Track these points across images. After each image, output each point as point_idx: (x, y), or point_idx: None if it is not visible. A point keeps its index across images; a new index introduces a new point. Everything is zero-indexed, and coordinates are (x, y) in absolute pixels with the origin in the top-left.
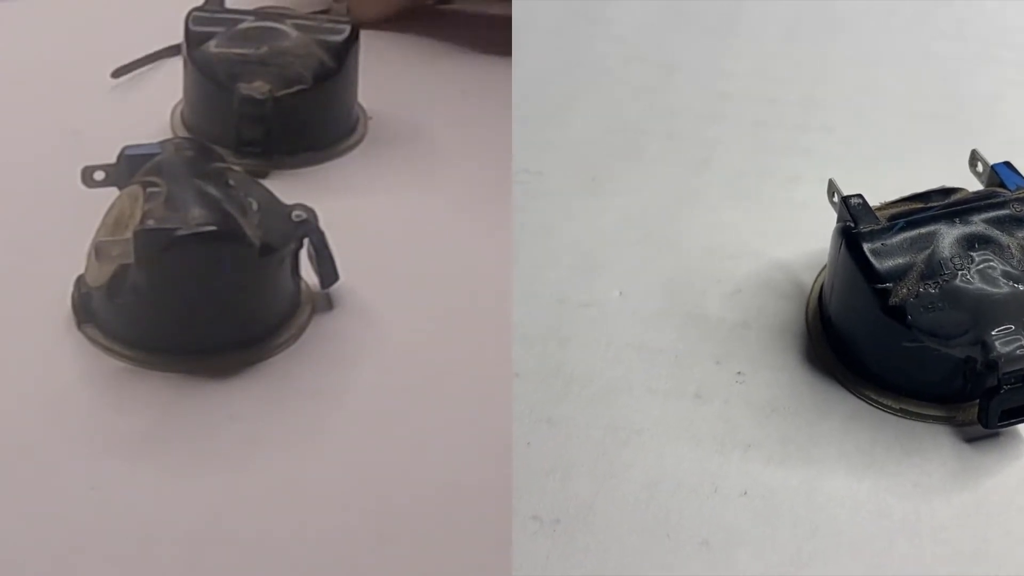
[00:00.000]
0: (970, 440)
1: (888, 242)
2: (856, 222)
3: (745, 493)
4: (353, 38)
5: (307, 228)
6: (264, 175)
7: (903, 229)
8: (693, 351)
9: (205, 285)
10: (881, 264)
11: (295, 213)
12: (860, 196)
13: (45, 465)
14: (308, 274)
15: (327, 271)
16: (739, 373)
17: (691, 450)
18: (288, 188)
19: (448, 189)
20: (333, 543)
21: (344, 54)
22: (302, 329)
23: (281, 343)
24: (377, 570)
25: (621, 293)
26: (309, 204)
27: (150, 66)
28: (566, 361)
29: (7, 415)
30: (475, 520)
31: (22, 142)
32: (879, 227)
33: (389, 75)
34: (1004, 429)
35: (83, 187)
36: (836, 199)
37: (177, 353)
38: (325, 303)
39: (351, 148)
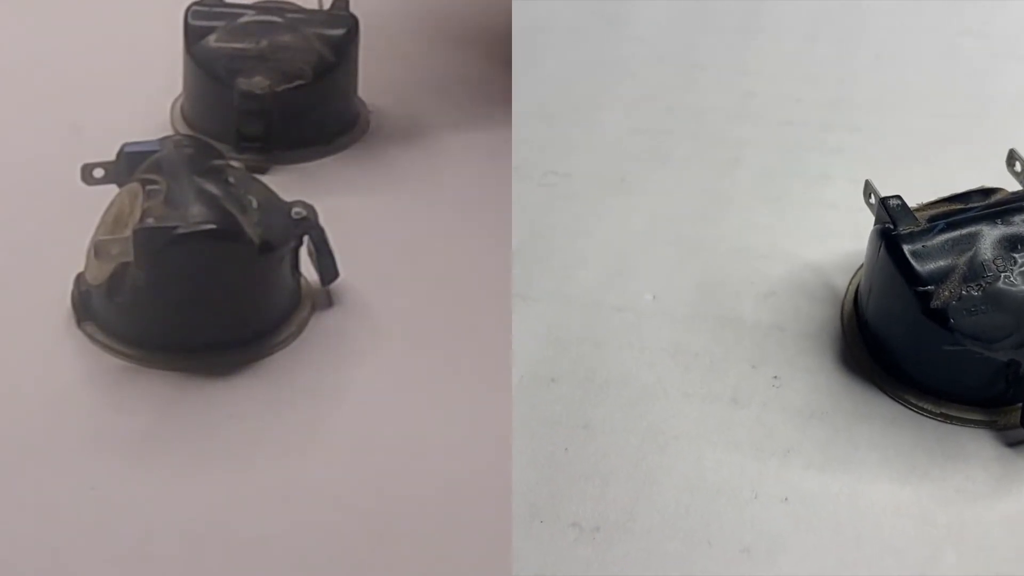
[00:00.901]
0: (1012, 444)
1: (929, 244)
2: (896, 224)
3: (786, 499)
4: (353, 32)
5: (307, 225)
6: (264, 170)
7: (944, 231)
8: (728, 355)
9: (204, 283)
10: (922, 266)
11: (295, 210)
12: (899, 197)
13: (45, 465)
14: (308, 271)
15: (327, 268)
16: (775, 377)
17: (729, 455)
18: (288, 183)
19: (448, 184)
20: (333, 542)
21: (344, 48)
22: (302, 326)
23: (281, 341)
24: (377, 569)
25: (654, 296)
26: (309, 199)
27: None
28: (601, 365)
29: (7, 413)
30: (475, 518)
31: (21, 139)
32: (919, 229)
33: (390, 68)
34: None
35: (83, 184)
36: (873, 200)
37: (177, 351)
38: (325, 300)
39: (352, 142)
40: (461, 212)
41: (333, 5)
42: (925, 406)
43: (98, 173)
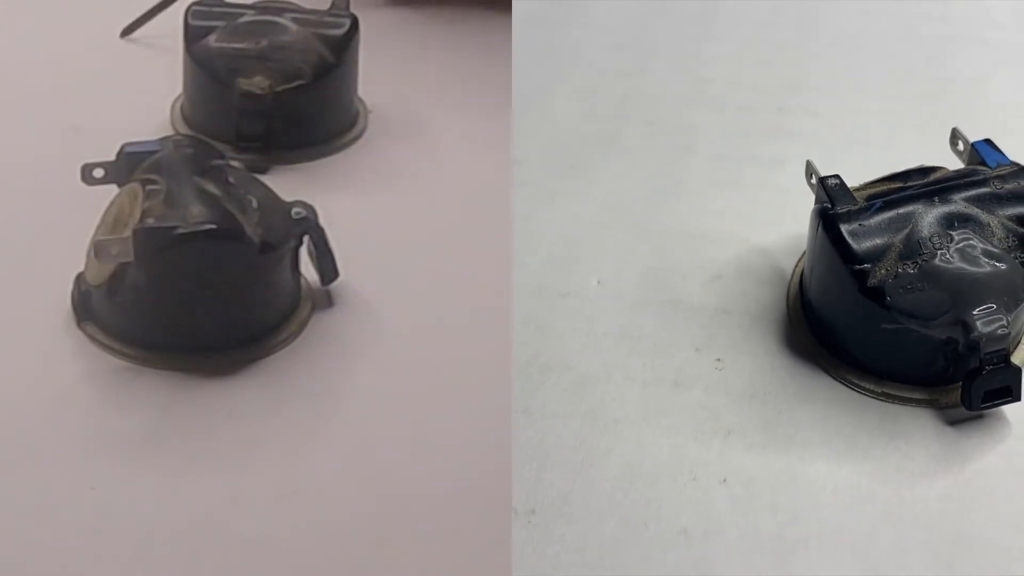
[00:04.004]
0: (953, 423)
1: (866, 223)
2: (833, 203)
3: (725, 480)
4: (353, 32)
5: (307, 225)
6: (264, 170)
7: (881, 209)
8: (672, 338)
9: (205, 283)
10: (859, 245)
11: (295, 210)
12: (837, 177)
13: (45, 464)
14: (308, 271)
15: (327, 268)
16: (719, 360)
17: (670, 438)
18: (288, 183)
19: (448, 183)
20: (333, 542)
21: (344, 48)
22: (302, 326)
23: (281, 340)
24: (377, 567)
25: (600, 281)
26: (309, 199)
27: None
28: (543, 350)
29: (7, 414)
30: (475, 516)
31: (22, 139)
32: (856, 207)
33: (389, 69)
34: (987, 411)
35: (83, 184)
36: (814, 180)
37: (177, 351)
38: (325, 300)
39: (351, 142)
40: (461, 212)
41: (333, 5)
42: (866, 386)
43: (98, 173)
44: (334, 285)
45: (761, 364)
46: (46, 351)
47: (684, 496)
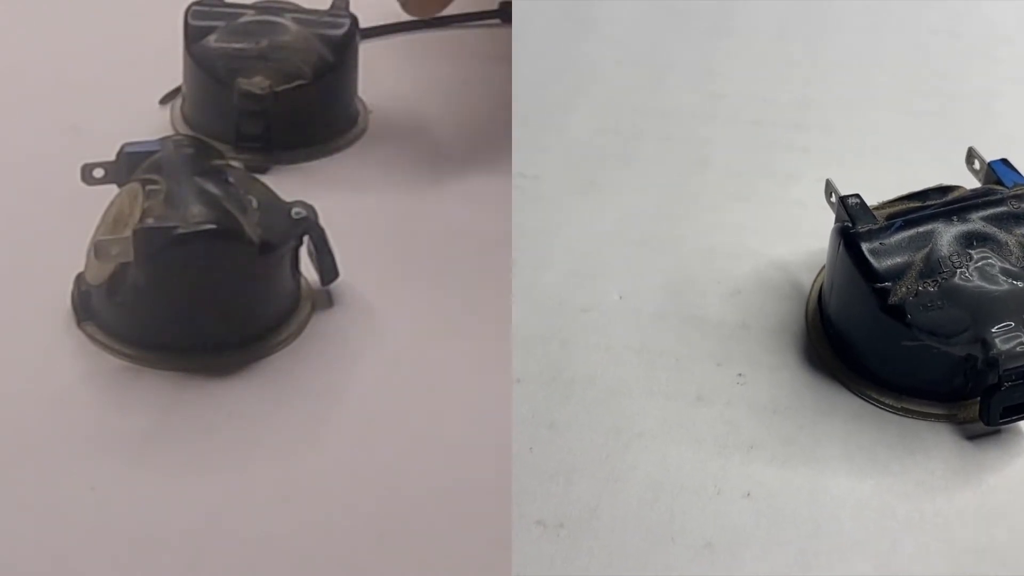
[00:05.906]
0: (972, 438)
1: (886, 241)
2: (854, 222)
3: (748, 494)
4: (353, 32)
5: (307, 225)
6: (264, 170)
7: (901, 228)
8: (693, 353)
9: (205, 283)
10: (879, 263)
11: (295, 210)
12: (858, 196)
13: (45, 464)
14: (308, 271)
15: (327, 268)
16: (740, 375)
17: (693, 452)
18: (288, 183)
19: (449, 184)
20: (333, 542)
21: (344, 48)
22: (302, 327)
23: (281, 341)
24: (377, 567)
25: (620, 296)
26: (309, 200)
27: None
28: (567, 365)
29: (7, 414)
30: (475, 519)
31: (21, 139)
32: (877, 226)
33: (390, 68)
34: (1006, 426)
35: (82, 184)
36: (834, 199)
37: (177, 351)
38: (325, 300)
39: (351, 143)
40: (461, 212)
41: (333, 5)
42: (886, 401)
43: (98, 173)
44: (334, 285)
45: (781, 378)
46: (46, 351)
47: (709, 510)
